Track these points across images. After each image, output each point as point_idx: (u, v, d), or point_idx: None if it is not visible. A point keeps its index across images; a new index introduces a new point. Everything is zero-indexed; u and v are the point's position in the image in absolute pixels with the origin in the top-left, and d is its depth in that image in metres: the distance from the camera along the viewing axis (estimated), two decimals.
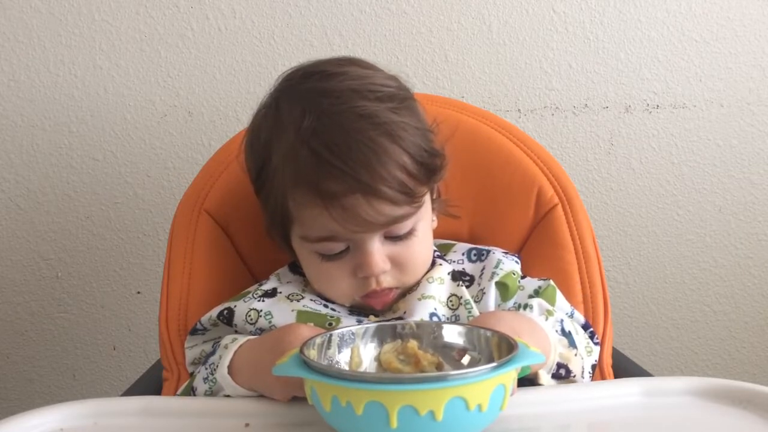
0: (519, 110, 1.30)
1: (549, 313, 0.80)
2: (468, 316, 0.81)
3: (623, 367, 0.91)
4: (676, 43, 1.30)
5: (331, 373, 0.57)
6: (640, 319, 1.39)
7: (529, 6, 1.28)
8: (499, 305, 0.84)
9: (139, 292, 1.35)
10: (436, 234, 0.92)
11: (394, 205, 0.74)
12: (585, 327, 0.85)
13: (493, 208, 0.95)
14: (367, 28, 1.27)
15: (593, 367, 0.82)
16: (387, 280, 0.80)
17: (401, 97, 0.79)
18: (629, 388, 0.70)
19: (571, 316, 0.85)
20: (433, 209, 0.86)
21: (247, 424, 0.66)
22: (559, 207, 0.93)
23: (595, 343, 0.84)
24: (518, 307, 0.82)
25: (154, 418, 0.68)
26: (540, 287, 0.85)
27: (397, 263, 0.79)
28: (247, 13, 1.26)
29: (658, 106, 1.32)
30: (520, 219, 0.94)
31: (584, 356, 0.79)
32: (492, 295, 0.83)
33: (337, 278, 0.80)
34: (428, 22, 1.27)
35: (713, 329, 1.40)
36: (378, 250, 0.77)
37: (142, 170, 1.30)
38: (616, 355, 0.92)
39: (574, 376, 0.76)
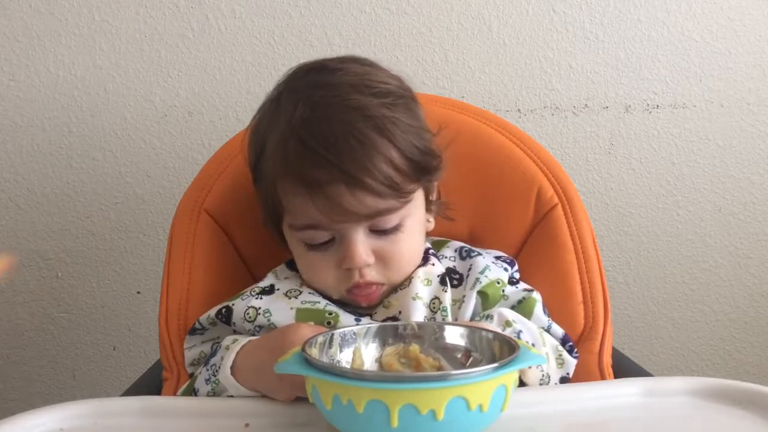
0: (519, 110, 1.30)
1: (507, 324, 0.79)
2: None
3: (623, 367, 0.91)
4: (676, 43, 1.30)
5: (333, 371, 0.57)
6: (640, 319, 1.39)
7: (529, 6, 1.28)
8: (479, 313, 0.83)
9: (139, 292, 1.35)
10: (435, 233, 0.92)
11: (378, 197, 0.75)
12: (564, 340, 0.84)
13: (492, 208, 0.95)
14: (367, 28, 1.27)
15: (563, 379, 0.81)
16: (371, 275, 0.79)
17: (398, 95, 0.79)
18: (629, 388, 0.70)
19: (548, 329, 0.84)
20: (429, 210, 0.86)
21: (247, 424, 0.66)
22: (559, 207, 0.93)
23: (574, 356, 0.83)
24: (482, 317, 0.82)
25: (154, 418, 0.68)
26: (523, 298, 0.84)
27: (381, 258, 0.79)
28: (247, 13, 1.26)
29: (658, 106, 1.32)
30: (520, 219, 0.94)
31: (549, 369, 0.79)
32: (472, 303, 0.83)
33: (322, 269, 0.80)
34: (428, 22, 1.27)
35: (713, 329, 1.40)
36: (362, 242, 0.77)
37: (142, 170, 1.30)
38: (616, 355, 0.92)
39: None
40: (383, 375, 0.62)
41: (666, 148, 1.33)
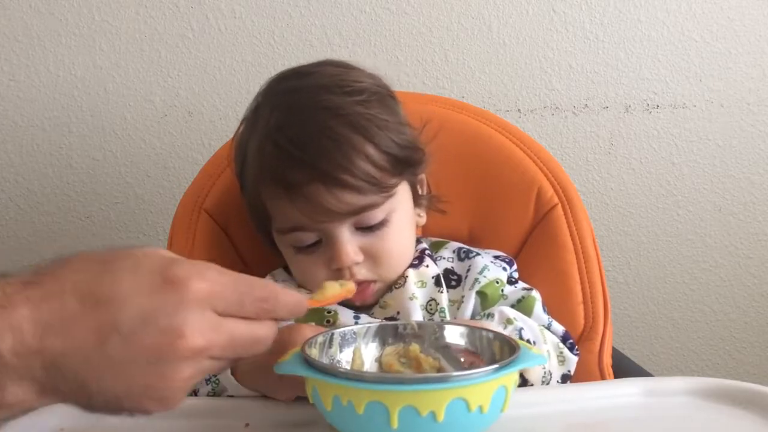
0: (519, 110, 1.30)
1: (509, 321, 0.79)
2: None
3: (623, 367, 0.91)
4: (676, 43, 1.30)
5: (333, 372, 0.57)
6: (640, 319, 1.39)
7: (529, 6, 1.28)
8: (479, 313, 0.83)
9: None
10: (435, 233, 0.92)
11: (358, 193, 0.75)
12: (565, 338, 0.84)
13: (492, 208, 0.95)
14: (367, 28, 1.27)
15: (564, 376, 0.81)
16: (362, 273, 0.80)
17: (372, 92, 0.80)
18: (629, 388, 0.70)
19: (549, 327, 0.84)
20: (419, 204, 0.86)
21: (247, 424, 0.66)
22: (559, 207, 0.93)
23: (575, 354, 0.83)
24: (483, 316, 0.82)
25: (154, 418, 0.68)
26: (523, 297, 0.84)
27: (370, 255, 0.79)
28: (247, 13, 1.26)
29: (658, 106, 1.32)
30: (520, 219, 0.94)
31: (551, 367, 0.79)
32: (471, 303, 0.83)
33: (313, 271, 0.80)
34: (428, 22, 1.27)
35: (713, 329, 1.40)
36: (348, 240, 0.78)
37: (142, 170, 1.30)
38: (616, 355, 0.92)
39: (532, 385, 0.76)
40: (383, 376, 0.62)
41: (666, 148, 1.33)
